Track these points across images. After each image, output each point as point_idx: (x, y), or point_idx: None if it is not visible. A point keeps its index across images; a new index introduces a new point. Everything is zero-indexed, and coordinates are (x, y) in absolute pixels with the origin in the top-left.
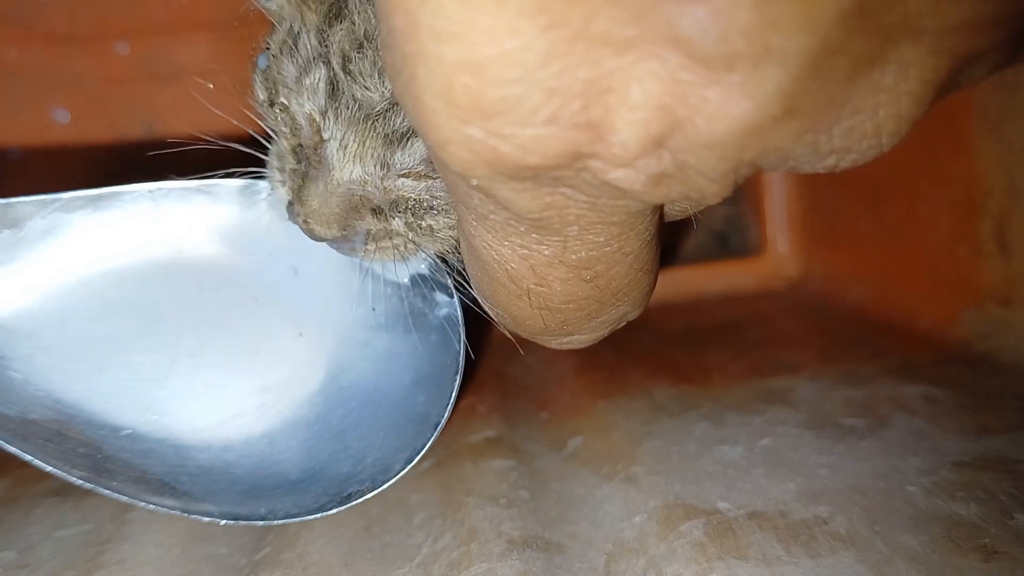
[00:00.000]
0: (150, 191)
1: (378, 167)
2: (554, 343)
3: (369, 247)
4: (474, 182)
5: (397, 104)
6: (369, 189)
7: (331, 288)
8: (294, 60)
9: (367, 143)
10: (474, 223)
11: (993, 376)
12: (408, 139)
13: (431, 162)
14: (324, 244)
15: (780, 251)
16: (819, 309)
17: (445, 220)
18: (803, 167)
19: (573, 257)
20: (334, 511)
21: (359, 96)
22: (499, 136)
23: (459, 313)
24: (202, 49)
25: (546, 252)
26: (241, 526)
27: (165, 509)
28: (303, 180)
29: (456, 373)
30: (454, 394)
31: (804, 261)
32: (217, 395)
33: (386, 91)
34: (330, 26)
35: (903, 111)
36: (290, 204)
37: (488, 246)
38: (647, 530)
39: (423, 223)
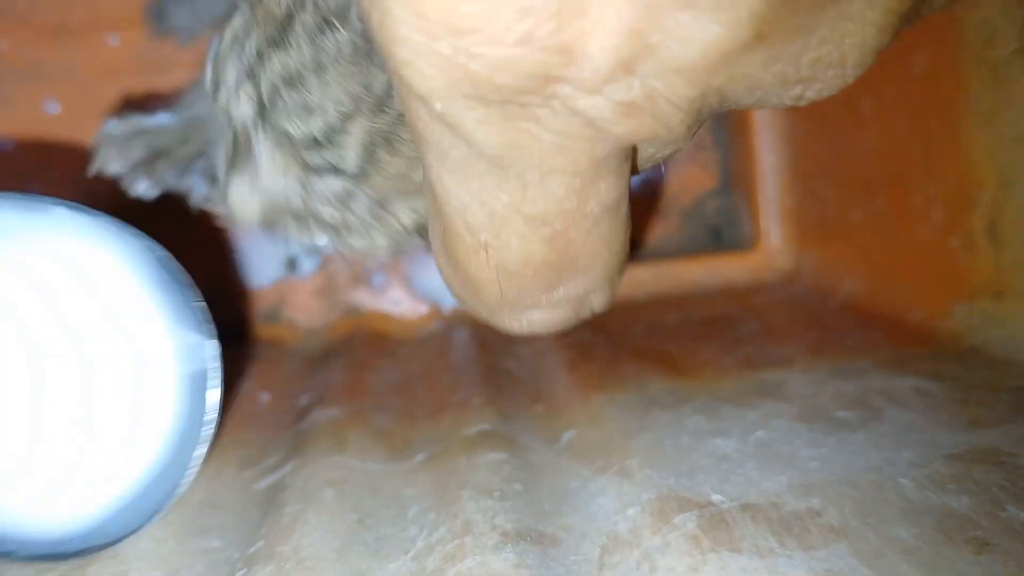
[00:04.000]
0: None
1: (299, 186)
2: (513, 320)
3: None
4: (437, 106)
5: (316, 143)
6: (295, 203)
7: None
8: (236, 64)
9: (291, 162)
10: (434, 164)
11: (985, 369)
12: (325, 173)
13: (345, 198)
14: None
15: (773, 244)
16: (812, 302)
17: (362, 241)
18: (769, 99)
19: (530, 209)
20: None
21: (282, 127)
22: (468, 54)
23: (216, 364)
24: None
25: (504, 199)
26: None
27: None
28: (230, 165)
29: (199, 435)
30: (196, 452)
31: (797, 254)
32: None
33: (307, 132)
34: (271, 48)
35: (868, 40)
36: (220, 175)
37: (447, 190)
38: (641, 523)
39: (345, 242)
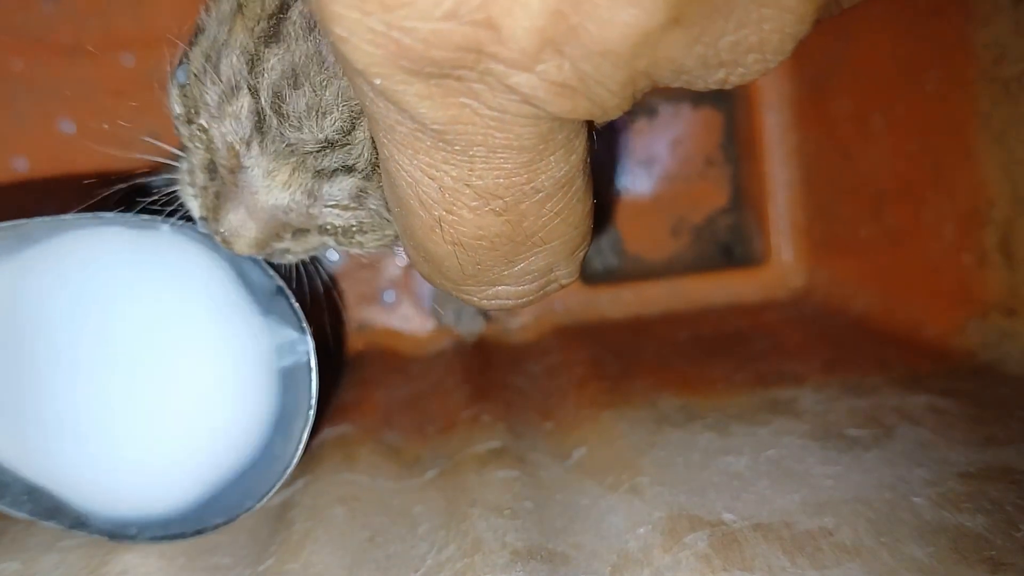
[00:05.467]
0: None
1: (305, 196)
2: (480, 297)
3: (289, 257)
4: (377, 81)
5: (330, 145)
6: (294, 216)
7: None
8: (215, 83)
9: (296, 174)
10: (385, 141)
11: (999, 386)
12: (338, 175)
13: (359, 196)
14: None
15: (784, 261)
16: (823, 319)
17: (373, 236)
18: (696, 82)
19: (480, 182)
20: (188, 539)
21: (288, 136)
22: (400, 29)
23: (312, 355)
24: None
25: (453, 173)
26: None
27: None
28: (216, 199)
29: (308, 417)
30: (305, 436)
31: (808, 271)
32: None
33: (320, 133)
34: (266, 46)
35: (786, 27)
36: (203, 218)
37: (399, 167)
38: (652, 541)
39: (352, 240)
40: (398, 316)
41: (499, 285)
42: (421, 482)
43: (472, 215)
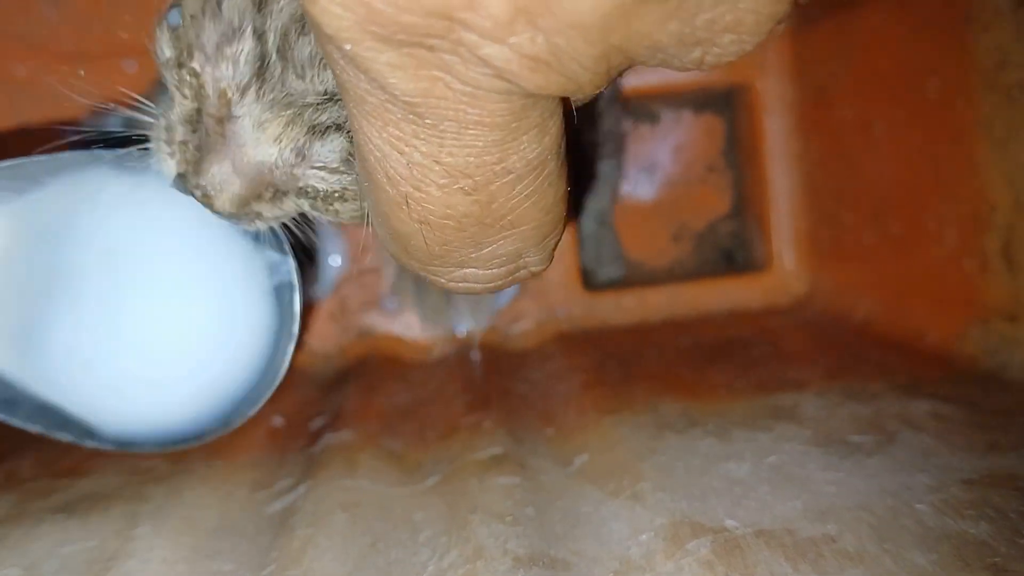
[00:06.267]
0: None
1: (294, 154)
2: (447, 279)
3: (258, 223)
4: (347, 47)
5: (329, 99)
6: (278, 174)
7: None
8: (216, 23)
9: (289, 128)
10: (355, 112)
11: (1002, 393)
12: (330, 133)
13: (350, 160)
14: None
15: (786, 267)
16: (825, 325)
17: (352, 206)
18: (672, 61)
19: (449, 159)
20: (189, 446)
21: (290, 84)
22: None
23: (295, 274)
24: None
25: (423, 148)
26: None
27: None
28: (199, 152)
29: (292, 332)
30: (290, 350)
31: (810, 277)
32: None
33: (321, 85)
34: None
35: (761, 7)
36: (180, 176)
37: (368, 139)
38: (654, 548)
39: (330, 207)
40: (400, 323)
41: (467, 268)
42: (422, 488)
43: (440, 193)
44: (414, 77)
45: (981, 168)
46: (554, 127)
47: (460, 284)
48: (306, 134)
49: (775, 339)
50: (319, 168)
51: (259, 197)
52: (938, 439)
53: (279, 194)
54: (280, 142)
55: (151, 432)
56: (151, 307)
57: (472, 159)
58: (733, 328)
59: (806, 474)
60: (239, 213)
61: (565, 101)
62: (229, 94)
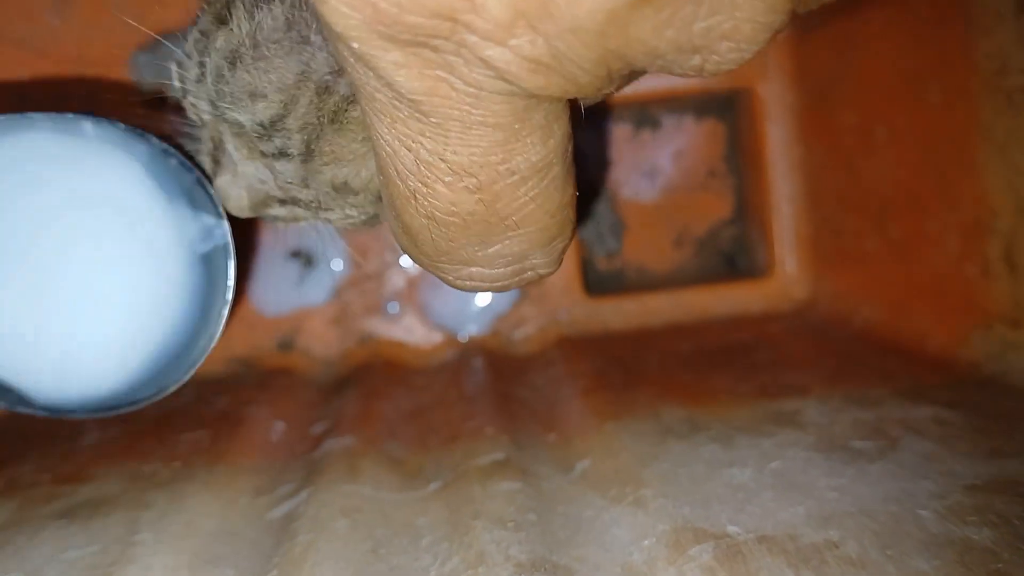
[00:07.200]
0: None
1: (268, 170)
2: (454, 276)
3: (280, 225)
4: (355, 46)
5: (265, 131)
6: (270, 187)
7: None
8: (191, 59)
9: (251, 152)
10: (367, 109)
11: (1004, 398)
12: (280, 158)
13: (306, 180)
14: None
15: (788, 272)
16: (828, 330)
17: (337, 215)
18: (672, 67)
19: (454, 157)
20: (122, 411)
21: (232, 116)
22: None
23: (229, 238)
24: None
25: (429, 145)
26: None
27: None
28: (214, 164)
29: (226, 297)
30: (224, 313)
31: (812, 282)
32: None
33: (254, 118)
34: (217, 28)
35: (759, 16)
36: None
37: (379, 135)
38: (656, 554)
39: (320, 216)
40: (402, 328)
41: (472, 266)
42: (424, 494)
43: (446, 190)
44: (419, 76)
45: (982, 173)
46: (559, 131)
47: (467, 282)
48: (263, 158)
49: (777, 344)
50: (290, 183)
51: (266, 204)
52: (941, 445)
53: (283, 202)
54: (253, 161)
55: (84, 398)
56: (81, 272)
57: (476, 158)
58: (735, 333)
59: (809, 480)
60: (256, 215)
61: (574, 108)
62: (211, 122)
